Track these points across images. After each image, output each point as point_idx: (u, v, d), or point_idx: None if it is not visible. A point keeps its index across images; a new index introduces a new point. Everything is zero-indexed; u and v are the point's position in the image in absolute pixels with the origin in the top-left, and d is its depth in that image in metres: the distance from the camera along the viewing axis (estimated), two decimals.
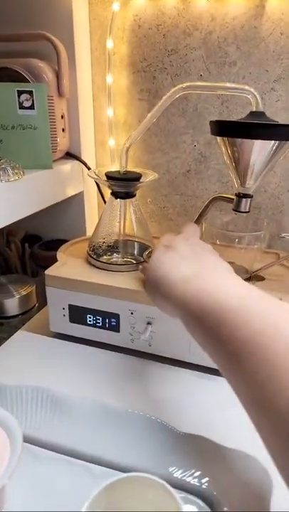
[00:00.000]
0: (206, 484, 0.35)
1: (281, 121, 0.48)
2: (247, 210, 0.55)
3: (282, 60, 0.64)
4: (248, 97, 0.49)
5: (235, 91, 0.49)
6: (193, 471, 0.36)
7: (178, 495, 0.31)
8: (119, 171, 0.58)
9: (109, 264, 0.59)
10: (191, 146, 0.75)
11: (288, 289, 0.56)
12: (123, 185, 0.58)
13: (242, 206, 0.54)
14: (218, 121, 0.48)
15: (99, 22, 0.70)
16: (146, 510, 0.30)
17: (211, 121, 0.50)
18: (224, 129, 0.48)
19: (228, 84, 0.50)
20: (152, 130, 0.76)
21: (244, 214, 0.55)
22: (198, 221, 0.59)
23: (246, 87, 0.48)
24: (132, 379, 0.54)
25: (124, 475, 0.30)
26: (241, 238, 0.57)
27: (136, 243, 0.63)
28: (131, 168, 0.61)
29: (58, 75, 0.65)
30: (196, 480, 0.36)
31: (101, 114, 0.77)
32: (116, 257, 0.61)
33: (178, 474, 0.36)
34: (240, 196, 0.54)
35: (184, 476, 0.36)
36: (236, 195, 0.54)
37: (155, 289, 0.41)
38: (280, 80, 0.65)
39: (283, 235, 0.55)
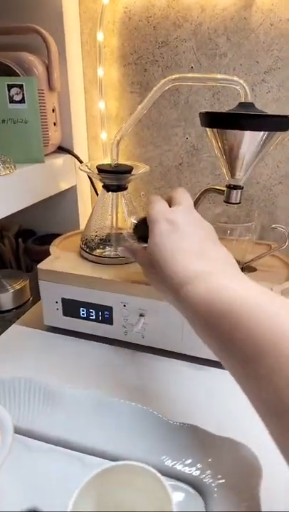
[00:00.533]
0: (197, 472, 0.36)
1: (271, 113, 0.48)
2: (238, 202, 0.55)
3: (272, 51, 0.64)
4: (237, 88, 0.49)
5: (225, 82, 0.49)
6: (184, 459, 0.37)
7: (168, 482, 0.32)
8: (110, 164, 0.58)
9: (102, 257, 0.59)
10: (183, 139, 0.75)
11: (279, 279, 0.56)
12: (114, 177, 0.58)
13: (232, 197, 0.54)
14: (207, 112, 0.48)
15: (89, 15, 0.70)
16: (136, 498, 0.31)
17: (200, 113, 0.49)
18: (213, 120, 0.48)
19: (218, 76, 0.50)
20: (144, 123, 0.76)
21: (235, 205, 0.55)
22: None
23: (235, 78, 0.48)
24: (125, 371, 0.54)
25: (114, 463, 0.31)
26: (233, 230, 0.57)
27: None
28: (123, 161, 0.61)
29: (48, 69, 0.65)
30: (186, 468, 0.36)
31: (93, 108, 0.77)
32: (109, 251, 0.61)
33: (169, 463, 0.37)
34: (231, 188, 0.54)
35: (175, 464, 0.37)
36: (227, 186, 0.54)
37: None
38: (271, 71, 0.65)
39: (274, 225, 0.56)
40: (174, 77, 0.50)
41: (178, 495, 0.35)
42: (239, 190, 0.54)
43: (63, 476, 0.37)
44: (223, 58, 0.67)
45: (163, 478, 0.29)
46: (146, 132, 0.76)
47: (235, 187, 0.54)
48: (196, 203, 0.60)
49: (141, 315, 0.55)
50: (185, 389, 0.51)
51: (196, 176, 0.77)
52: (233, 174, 0.53)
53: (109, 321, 0.57)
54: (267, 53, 0.64)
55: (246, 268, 0.59)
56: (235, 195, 0.54)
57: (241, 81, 0.48)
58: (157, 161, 0.78)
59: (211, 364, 0.54)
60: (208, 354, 0.54)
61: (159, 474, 0.30)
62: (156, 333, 0.56)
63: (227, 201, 0.55)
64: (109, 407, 0.42)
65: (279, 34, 0.62)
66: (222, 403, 0.47)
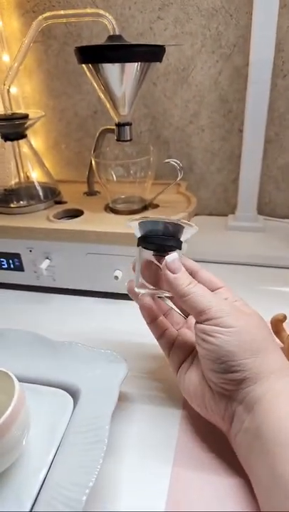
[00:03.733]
0: (72, 379, 0.39)
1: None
2: (128, 139, 0.56)
3: None
4: (105, 22, 0.49)
5: (93, 17, 0.49)
6: (63, 370, 0.40)
7: (47, 389, 0.38)
8: (5, 113, 0.59)
9: (8, 207, 0.61)
10: (93, 86, 0.74)
11: (178, 211, 0.58)
12: (9, 125, 0.58)
13: (123, 135, 0.56)
14: (78, 48, 0.49)
15: None
16: None
17: (74, 50, 0.50)
18: (85, 55, 0.49)
19: (88, 11, 0.50)
20: (53, 73, 0.75)
21: (127, 142, 0.57)
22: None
23: (101, 12, 0.48)
24: (40, 312, 0.57)
25: None
26: (131, 165, 0.58)
27: (37, 186, 0.64)
28: None
29: None
30: (63, 377, 0.40)
31: None
32: (16, 201, 0.62)
33: (48, 369, 0.40)
34: (120, 125, 0.55)
35: (55, 374, 0.40)
36: (116, 125, 0.56)
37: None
38: (164, 7, 0.65)
39: (167, 160, 0.57)
40: (45, 15, 0.51)
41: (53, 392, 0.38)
42: (128, 127, 0.55)
43: None
44: None
45: (10, 373, 0.33)
46: (56, 83, 0.76)
47: (124, 124, 0.55)
48: (96, 147, 0.62)
49: (47, 258, 0.57)
50: (94, 321, 0.54)
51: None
52: (118, 111, 0.54)
53: (20, 267, 0.59)
54: None
55: (150, 205, 0.61)
56: (126, 132, 0.56)
57: (107, 14, 0.48)
58: (72, 111, 0.78)
59: (118, 297, 0.58)
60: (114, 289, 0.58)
61: (10, 373, 0.33)
62: (65, 274, 0.58)
63: (119, 139, 0.56)
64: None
65: None
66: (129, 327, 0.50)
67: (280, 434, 0.28)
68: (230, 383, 0.31)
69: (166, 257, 0.35)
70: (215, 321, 0.31)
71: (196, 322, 0.33)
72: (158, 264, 0.37)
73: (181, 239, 0.36)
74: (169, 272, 0.34)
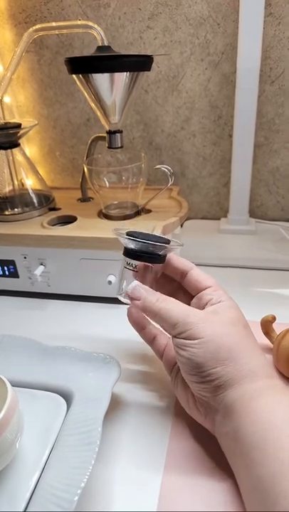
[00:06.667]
0: (66, 383, 0.40)
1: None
2: (119, 146, 0.57)
3: None
4: (94, 33, 0.50)
5: (83, 28, 0.51)
6: (55, 374, 0.41)
7: (41, 393, 0.39)
8: None
9: (2, 215, 0.62)
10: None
11: (169, 216, 0.59)
12: (1, 134, 0.59)
13: (114, 142, 0.57)
14: (69, 59, 0.50)
15: None
16: None
17: (65, 61, 0.51)
18: (75, 66, 0.50)
19: (78, 22, 0.51)
20: (46, 82, 0.76)
21: (118, 150, 0.58)
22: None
23: (90, 24, 0.49)
24: (37, 318, 0.58)
25: None
26: (123, 171, 0.59)
27: (31, 193, 0.65)
28: None
29: None
30: (57, 380, 0.40)
31: None
32: (10, 209, 0.63)
33: (42, 373, 0.41)
34: (111, 133, 0.56)
35: (49, 379, 0.41)
36: (107, 132, 0.57)
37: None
38: (153, 16, 0.66)
39: (158, 166, 0.58)
40: (36, 27, 0.52)
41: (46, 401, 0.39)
42: (118, 135, 0.56)
43: None
44: (107, 8, 0.67)
45: (3, 377, 0.34)
46: (49, 91, 0.77)
47: (115, 132, 0.56)
48: (88, 154, 0.63)
49: (41, 264, 0.58)
50: (90, 325, 0.55)
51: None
52: (108, 119, 0.55)
53: (15, 274, 0.60)
54: (147, 0, 0.65)
55: (143, 210, 0.62)
56: (116, 140, 0.57)
57: (95, 26, 0.49)
58: (66, 119, 0.79)
59: (112, 301, 0.58)
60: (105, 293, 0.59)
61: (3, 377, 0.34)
62: (60, 280, 0.59)
63: (110, 146, 0.58)
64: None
65: None
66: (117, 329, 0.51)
67: (255, 438, 0.29)
68: (207, 391, 0.33)
69: (127, 289, 0.37)
70: (184, 335, 0.33)
71: (172, 336, 0.34)
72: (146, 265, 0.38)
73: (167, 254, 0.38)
74: (135, 302, 0.36)
